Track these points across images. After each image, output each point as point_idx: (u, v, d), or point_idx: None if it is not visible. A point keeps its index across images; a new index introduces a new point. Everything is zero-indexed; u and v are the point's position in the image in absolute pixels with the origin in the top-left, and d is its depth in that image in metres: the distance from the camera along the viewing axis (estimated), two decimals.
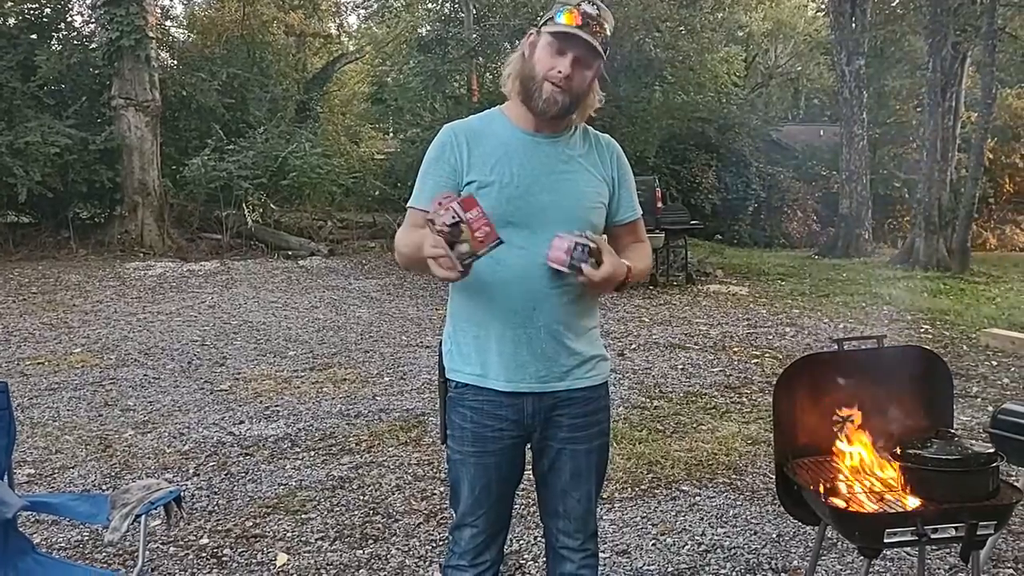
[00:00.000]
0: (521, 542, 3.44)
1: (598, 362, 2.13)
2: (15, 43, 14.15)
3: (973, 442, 2.25)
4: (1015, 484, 2.28)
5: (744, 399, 5.77)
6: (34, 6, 15.32)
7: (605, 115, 14.14)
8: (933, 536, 2.08)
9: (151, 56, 14.54)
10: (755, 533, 3.56)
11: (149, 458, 4.54)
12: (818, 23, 27.50)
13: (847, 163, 18.31)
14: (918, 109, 20.37)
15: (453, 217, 1.75)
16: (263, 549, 3.41)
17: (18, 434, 2.69)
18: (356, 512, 3.79)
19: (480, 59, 17.38)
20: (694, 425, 5.14)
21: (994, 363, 6.98)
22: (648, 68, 16.32)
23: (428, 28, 20.14)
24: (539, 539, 3.25)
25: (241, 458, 4.53)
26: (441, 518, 3.68)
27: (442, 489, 3.99)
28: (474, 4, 17.65)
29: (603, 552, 3.26)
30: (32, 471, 4.31)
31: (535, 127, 2.06)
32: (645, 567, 3.25)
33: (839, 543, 3.35)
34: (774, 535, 3.53)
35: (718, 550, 3.39)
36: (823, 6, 20.72)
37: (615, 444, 4.56)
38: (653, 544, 3.46)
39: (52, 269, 12.04)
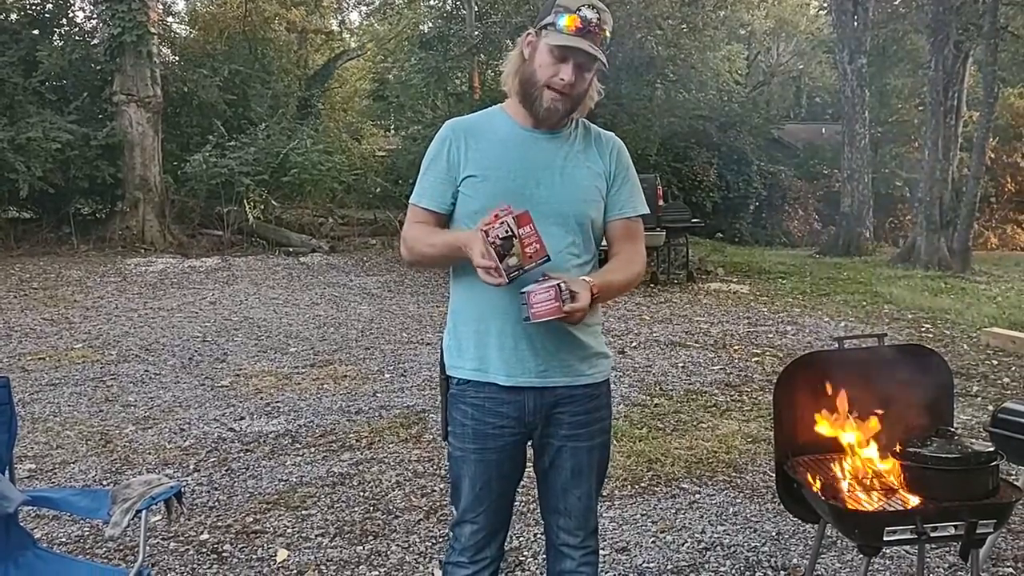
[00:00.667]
0: (521, 539, 3.44)
1: (599, 359, 2.13)
2: (17, 39, 14.15)
3: (973, 441, 2.25)
4: (1015, 483, 2.28)
5: (744, 397, 5.77)
6: (36, 2, 15.35)
7: (607, 113, 14.16)
8: (933, 534, 2.08)
9: (153, 52, 14.54)
10: (755, 531, 3.56)
11: (150, 454, 4.55)
12: (820, 21, 27.48)
13: (848, 162, 18.30)
14: (920, 108, 20.36)
15: (506, 231, 1.80)
16: (263, 545, 3.42)
17: (19, 429, 2.69)
18: (356, 508, 3.80)
19: (482, 56, 17.37)
20: (694, 423, 5.15)
21: (995, 362, 6.98)
22: (650, 66, 16.32)
23: (430, 25, 20.15)
24: (539, 536, 3.25)
25: (242, 454, 4.53)
26: (441, 515, 3.68)
27: (442, 486, 4.00)
28: (476, 1, 17.63)
29: (603, 549, 3.26)
30: (33, 466, 4.32)
31: (534, 124, 2.07)
32: (645, 564, 3.25)
33: (839, 541, 3.35)
34: (774, 533, 3.53)
35: (718, 548, 3.40)
36: (825, 4, 20.72)
37: (615, 442, 4.56)
38: (653, 542, 3.46)
39: (53, 265, 12.05)
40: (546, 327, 1.98)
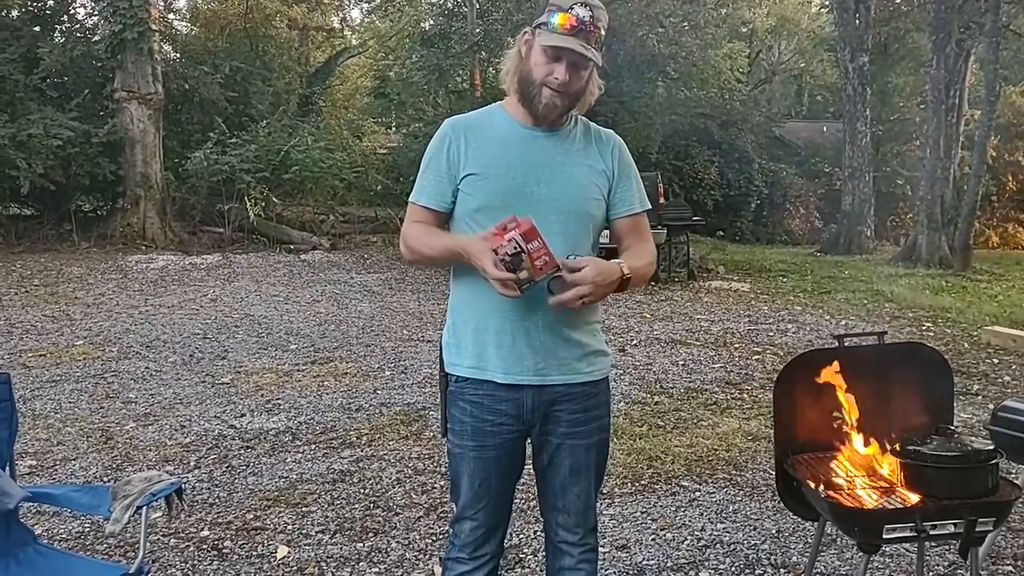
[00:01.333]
0: (521, 536, 3.44)
1: (598, 357, 2.13)
2: (18, 35, 14.16)
3: (973, 439, 2.25)
4: (1015, 481, 2.28)
5: (745, 395, 5.77)
6: None
7: (608, 111, 14.14)
8: (932, 532, 2.08)
9: (154, 49, 14.55)
10: (755, 529, 3.56)
11: (150, 450, 4.55)
12: (822, 19, 27.45)
13: (850, 160, 18.28)
14: (921, 106, 20.35)
15: (515, 248, 1.83)
16: (264, 542, 3.42)
17: (20, 426, 2.69)
18: (356, 505, 3.80)
19: (483, 53, 17.35)
20: (694, 421, 5.15)
21: (995, 361, 6.97)
22: (651, 64, 16.30)
23: (431, 22, 20.13)
24: (539, 533, 3.26)
25: (242, 451, 4.54)
26: (441, 512, 3.69)
27: (442, 483, 4.00)
28: None
29: (603, 547, 3.26)
30: (34, 463, 4.32)
31: (534, 122, 2.07)
32: (644, 562, 3.26)
33: (838, 539, 3.35)
34: (774, 531, 3.53)
35: (717, 545, 3.40)
36: (827, 2, 20.73)
37: (615, 439, 4.56)
38: (653, 539, 3.46)
39: (54, 262, 12.06)
40: (544, 324, 1.98)
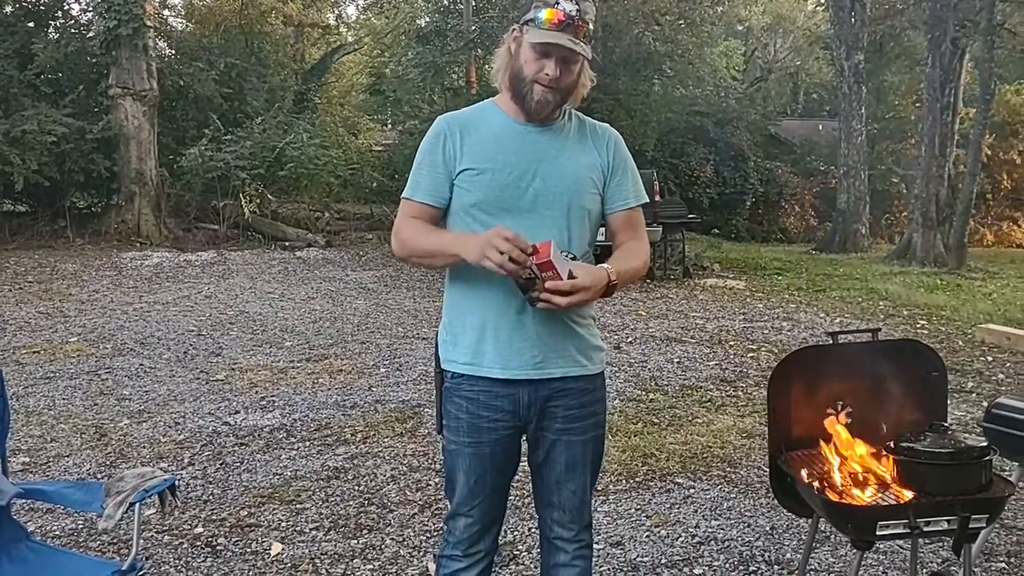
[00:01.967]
0: (516, 533, 3.44)
1: (594, 351, 2.13)
2: (12, 31, 14.10)
3: (966, 436, 2.25)
4: (1008, 478, 2.28)
5: (739, 392, 5.78)
6: None
7: (604, 108, 14.15)
8: (925, 529, 2.08)
9: (149, 45, 14.49)
10: (749, 525, 3.57)
11: (144, 447, 4.54)
12: (817, 17, 27.47)
13: (845, 158, 18.32)
14: (917, 105, 20.39)
15: (530, 274, 1.87)
16: (258, 538, 3.42)
17: (13, 422, 2.69)
18: (351, 502, 3.80)
19: (479, 51, 17.34)
20: (689, 418, 5.15)
21: (989, 359, 6.99)
22: (647, 61, 16.31)
23: (427, 19, 20.12)
24: (533, 530, 3.26)
25: (236, 448, 4.53)
26: (436, 509, 3.68)
27: (437, 480, 4.00)
28: None
29: (597, 543, 3.26)
30: (27, 459, 4.31)
31: (527, 118, 2.06)
32: (639, 558, 3.26)
33: (832, 536, 3.36)
34: (768, 528, 3.54)
35: (712, 542, 3.40)
36: (823, 1, 20.70)
37: (610, 436, 4.56)
38: (647, 536, 3.46)
39: (49, 258, 12.02)
40: (540, 318, 1.98)
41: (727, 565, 3.21)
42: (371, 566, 3.18)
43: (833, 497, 2.18)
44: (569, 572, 2.17)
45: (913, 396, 2.44)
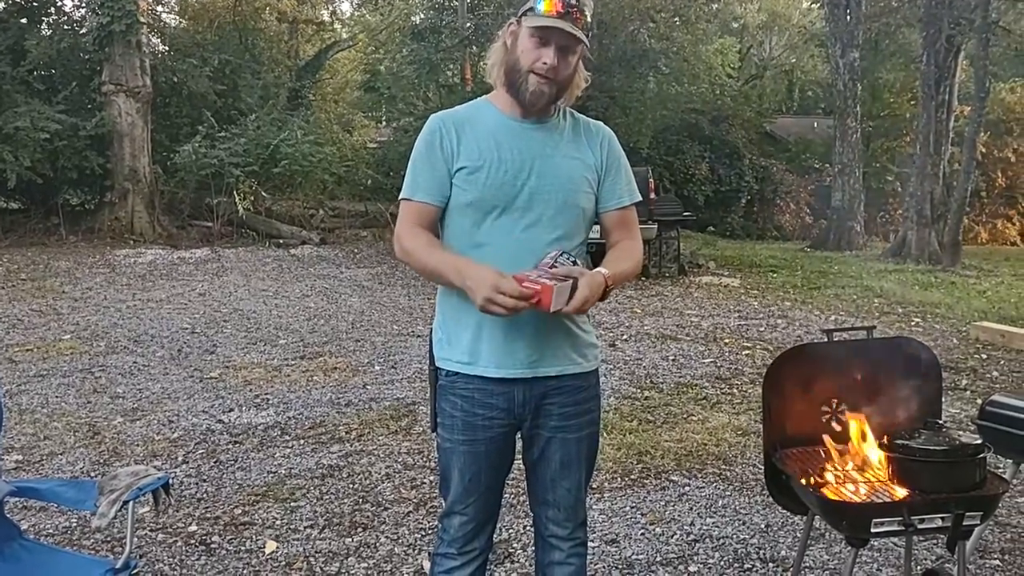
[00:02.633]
0: (510, 531, 3.44)
1: (589, 348, 2.12)
2: (5, 27, 14.03)
3: (961, 433, 2.26)
4: (1002, 475, 2.28)
5: (735, 390, 5.79)
6: None
7: (599, 105, 14.14)
8: (920, 526, 2.08)
9: (142, 42, 14.44)
10: (744, 523, 3.57)
11: (138, 445, 4.53)
12: (813, 15, 27.48)
13: (840, 156, 18.33)
14: (912, 102, 20.43)
15: (535, 304, 1.86)
16: (252, 537, 3.41)
17: (6, 420, 2.68)
18: (345, 500, 3.79)
19: (474, 48, 17.32)
20: (684, 416, 5.15)
21: (984, 356, 7.01)
22: (642, 59, 16.30)
23: (422, 16, 20.09)
24: (528, 528, 3.26)
25: (230, 446, 4.52)
26: (430, 507, 3.68)
27: (432, 478, 3.99)
28: None
29: (592, 541, 3.26)
30: (20, 457, 4.29)
31: (522, 114, 2.06)
32: (634, 556, 3.26)
33: (827, 533, 3.36)
34: (762, 525, 3.54)
35: (707, 540, 3.40)
36: None
37: (605, 434, 4.56)
38: (642, 533, 3.46)
39: (41, 255, 11.98)
40: (535, 316, 1.97)
41: (722, 563, 3.21)
42: (365, 564, 3.18)
43: (828, 494, 2.18)
44: (564, 570, 2.17)
45: (908, 394, 2.44)
